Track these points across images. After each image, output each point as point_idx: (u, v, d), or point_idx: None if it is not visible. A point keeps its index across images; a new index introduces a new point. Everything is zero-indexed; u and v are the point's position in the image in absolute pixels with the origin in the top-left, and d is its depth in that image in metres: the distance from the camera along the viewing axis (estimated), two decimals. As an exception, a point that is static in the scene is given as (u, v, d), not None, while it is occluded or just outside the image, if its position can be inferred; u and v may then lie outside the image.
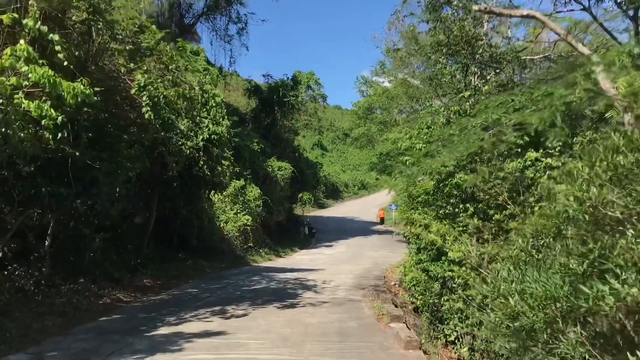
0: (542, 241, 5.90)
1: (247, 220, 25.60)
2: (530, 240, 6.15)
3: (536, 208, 6.95)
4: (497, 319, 4.98)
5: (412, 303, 12.49)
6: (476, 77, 13.53)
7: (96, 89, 9.65)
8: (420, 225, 12.69)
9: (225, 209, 26.19)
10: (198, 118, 16.41)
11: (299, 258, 27.44)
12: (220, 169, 17.91)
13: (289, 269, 20.25)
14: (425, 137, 12.47)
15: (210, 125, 16.25)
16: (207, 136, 16.11)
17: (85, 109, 9.79)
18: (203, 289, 15.05)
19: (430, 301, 10.56)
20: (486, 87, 11.51)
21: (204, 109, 16.48)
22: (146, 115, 10.37)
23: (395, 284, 16.76)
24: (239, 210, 26.31)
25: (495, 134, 6.82)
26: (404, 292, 16.16)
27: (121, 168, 12.31)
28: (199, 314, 11.14)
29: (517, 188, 10.76)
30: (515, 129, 6.68)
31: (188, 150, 15.89)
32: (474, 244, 10.42)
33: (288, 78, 38.06)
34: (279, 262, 25.24)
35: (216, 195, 23.46)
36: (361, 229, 45.06)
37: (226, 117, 16.81)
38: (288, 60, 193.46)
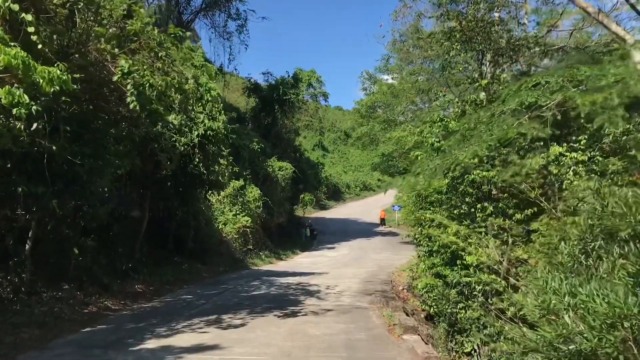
0: (592, 244, 4.97)
1: (247, 221, 24.63)
2: (576, 243, 5.21)
3: (578, 206, 6.00)
4: (540, 338, 4.04)
5: (424, 310, 11.50)
6: (491, 65, 12.56)
7: (75, 75, 8.69)
8: (432, 226, 11.71)
9: (224, 210, 25.23)
10: (193, 113, 15.45)
11: (301, 261, 26.46)
12: (217, 167, 16.94)
13: (291, 273, 19.27)
14: (438, 131, 11.49)
15: (206, 121, 15.29)
16: (203, 132, 15.14)
17: (63, 98, 8.81)
18: (199, 295, 14.07)
19: (448, 310, 9.57)
20: (504, 75, 10.54)
21: (199, 104, 15.49)
22: (131, 105, 9.39)
23: (403, 289, 15.77)
24: (238, 212, 25.34)
25: (534, 118, 5.88)
26: (412, 297, 15.17)
27: (107, 165, 11.35)
28: (193, 324, 10.14)
29: (544, 184, 9.80)
30: (555, 113, 5.77)
31: (182, 147, 14.92)
32: (497, 246, 9.44)
33: (289, 76, 37.11)
34: (279, 266, 24.25)
35: (214, 196, 22.49)
36: (363, 230, 44.08)
37: (223, 112, 15.83)
38: (288, 61, 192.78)
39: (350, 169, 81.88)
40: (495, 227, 11.22)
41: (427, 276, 11.49)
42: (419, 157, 11.33)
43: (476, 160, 7.83)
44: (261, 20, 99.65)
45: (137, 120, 12.87)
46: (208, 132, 15.17)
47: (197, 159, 15.20)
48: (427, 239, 11.98)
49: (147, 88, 9.28)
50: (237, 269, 20.84)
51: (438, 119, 11.37)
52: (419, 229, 12.25)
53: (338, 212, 57.22)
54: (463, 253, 11.02)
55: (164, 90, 11.61)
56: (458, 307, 9.34)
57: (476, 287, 9.45)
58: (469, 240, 10.19)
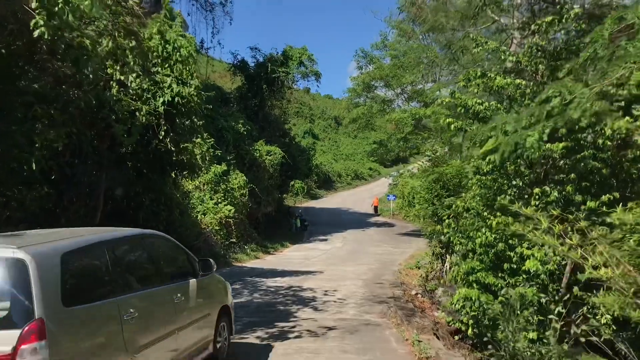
0: None
1: (230, 211, 21.64)
2: None
3: None
4: None
5: (459, 330, 8.64)
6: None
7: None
8: (474, 216, 8.82)
9: (204, 198, 22.20)
10: (158, 75, 12.37)
11: (291, 255, 23.52)
12: (190, 146, 13.86)
13: (280, 272, 16.35)
14: (477, 90, 8.58)
15: (174, 86, 12.17)
16: (170, 99, 12.04)
17: None
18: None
19: (503, 335, 6.69)
20: (576, 10, 7.61)
21: (166, 64, 12.45)
22: (36, 32, 6.37)
23: (417, 294, 12.93)
24: (220, 200, 22.33)
25: None
26: (429, 302, 12.35)
27: (28, 134, 8.34)
28: (142, 354, 7.19)
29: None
30: None
31: (144, 118, 11.83)
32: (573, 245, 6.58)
33: (277, 52, 33.95)
34: (267, 261, 21.33)
35: (188, 181, 19.50)
36: (357, 221, 41.30)
37: (196, 76, 12.70)
38: (276, 46, 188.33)
39: (341, 158, 79.17)
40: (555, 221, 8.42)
41: (461, 284, 8.61)
42: (453, 126, 8.42)
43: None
44: None
45: (75, 78, 9.86)
46: (176, 99, 12.07)
47: (162, 133, 12.10)
48: (460, 235, 9.09)
49: (63, 7, 6.22)
50: (217, 267, 17.84)
51: (477, 75, 8.44)
52: (448, 221, 9.35)
53: (329, 201, 54.45)
54: (513, 253, 8.18)
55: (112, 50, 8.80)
56: (520, 334, 6.45)
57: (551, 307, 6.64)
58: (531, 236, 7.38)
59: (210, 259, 7.15)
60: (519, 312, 6.50)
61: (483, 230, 8.31)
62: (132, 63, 11.62)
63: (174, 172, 14.44)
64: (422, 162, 35.14)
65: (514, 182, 8.50)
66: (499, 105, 8.33)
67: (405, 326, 8.86)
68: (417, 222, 42.48)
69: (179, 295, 5.76)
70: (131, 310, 4.57)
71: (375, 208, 49.31)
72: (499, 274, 8.25)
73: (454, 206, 10.33)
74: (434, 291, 13.17)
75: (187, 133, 12.97)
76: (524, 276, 7.91)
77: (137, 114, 11.92)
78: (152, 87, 12.17)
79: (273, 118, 35.62)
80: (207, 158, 23.62)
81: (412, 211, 44.45)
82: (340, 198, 57.31)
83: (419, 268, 18.05)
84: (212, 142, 23.82)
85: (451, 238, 9.06)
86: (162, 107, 12.12)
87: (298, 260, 19.89)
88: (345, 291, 12.35)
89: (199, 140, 19.58)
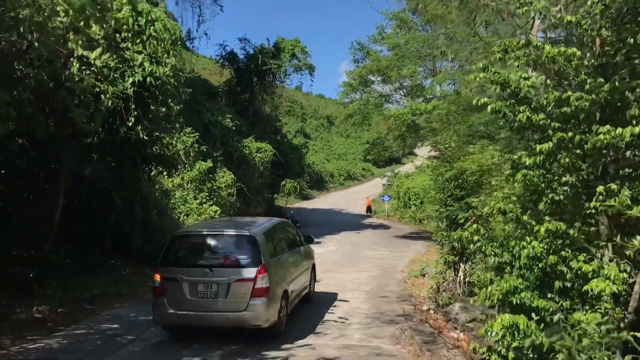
0: None
1: (215, 212, 19.76)
2: None
3: None
4: None
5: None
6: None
7: None
8: (511, 221, 7.08)
9: (187, 197, 20.31)
10: (129, 53, 10.54)
11: (282, 260, 21.66)
12: (167, 139, 12.02)
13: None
14: (518, 64, 6.83)
15: (147, 64, 10.35)
16: (141, 79, 10.21)
17: None
18: (130, 323, 9.27)
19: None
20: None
21: (137, 40, 10.62)
22: None
23: (429, 309, 11.17)
24: (204, 200, 20.45)
25: None
26: (444, 320, 10.60)
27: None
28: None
29: None
30: None
31: (109, 101, 10.00)
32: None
33: (269, 44, 32.12)
34: (256, 267, 19.49)
35: (169, 179, 17.66)
36: (350, 222, 39.42)
37: (173, 53, 10.86)
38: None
39: (333, 157, 77.50)
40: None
41: (499, 305, 6.86)
42: (490, 108, 6.66)
43: None
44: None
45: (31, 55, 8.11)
46: (149, 79, 10.24)
47: (132, 119, 10.26)
48: (489, 243, 7.33)
49: None
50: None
51: (520, 43, 6.69)
52: (476, 226, 7.58)
53: (322, 202, 52.55)
54: (566, 269, 6.45)
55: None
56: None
57: None
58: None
59: (311, 235, 11.95)
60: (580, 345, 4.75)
61: (527, 239, 6.56)
62: (97, 36, 9.82)
63: (148, 166, 12.55)
64: (426, 158, 33.55)
65: (564, 179, 6.76)
66: (548, 81, 6.59)
67: (426, 358, 7.09)
68: (413, 224, 41.02)
69: (297, 255, 10.11)
70: (287, 260, 9.24)
71: (369, 208, 47.58)
72: (548, 295, 6.52)
73: (484, 208, 8.63)
74: (447, 305, 11.44)
75: (162, 121, 11.10)
76: (582, 298, 6.19)
77: (102, 96, 10.13)
78: (121, 66, 10.37)
79: (264, 113, 33.80)
80: (192, 154, 21.90)
81: (408, 212, 42.91)
82: (333, 199, 55.48)
83: (423, 276, 16.36)
84: (197, 137, 21.99)
85: (482, 247, 7.30)
86: (132, 88, 10.33)
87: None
88: (347, 307, 10.55)
89: (184, 133, 17.83)
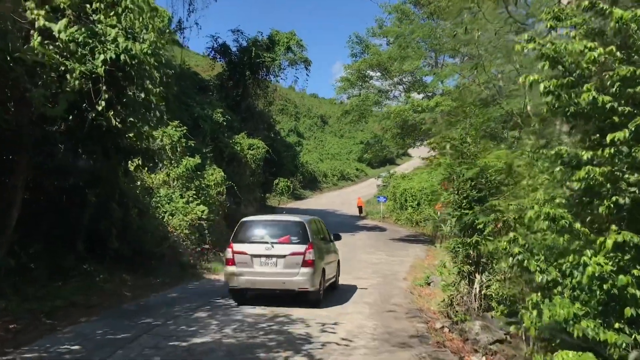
0: None
1: (202, 212, 18.29)
2: None
3: None
4: None
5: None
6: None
7: None
8: (560, 231, 5.69)
9: (172, 195, 18.82)
10: (100, 26, 9.06)
11: (274, 264, 20.21)
12: (147, 129, 10.52)
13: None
14: (577, 34, 5.46)
15: (121, 40, 8.85)
16: (114, 56, 8.73)
17: None
18: (94, 343, 7.78)
19: None
20: None
21: (111, 12, 9.13)
22: None
23: (443, 327, 9.78)
24: (192, 199, 18.96)
25: None
26: (460, 341, 9.21)
27: None
28: None
29: None
30: None
31: (76, 81, 8.51)
32: None
33: (263, 36, 30.68)
34: (246, 272, 18.08)
35: (149, 175, 16.20)
36: (345, 224, 37.97)
37: (153, 28, 9.38)
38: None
39: (327, 157, 76.20)
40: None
41: (550, 336, 5.50)
42: (543, 86, 5.30)
43: None
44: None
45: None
46: (123, 57, 8.76)
47: (103, 103, 8.78)
48: (533, 256, 5.94)
49: None
50: (183, 279, 14.50)
51: (586, 4, 5.33)
52: (512, 235, 6.19)
53: (315, 202, 51.13)
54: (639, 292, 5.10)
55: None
56: None
57: None
58: None
59: (339, 233, 14.08)
60: None
61: (587, 253, 5.20)
62: (62, 5, 8.38)
63: (124, 159, 11.06)
64: (424, 158, 32.23)
65: (633, 178, 5.40)
66: (618, 54, 5.23)
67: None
68: (409, 227, 39.65)
69: (329, 246, 12.40)
70: (323, 247, 11.58)
71: (360, 208, 46.31)
72: (615, 324, 5.17)
73: (512, 211, 7.27)
74: (462, 322, 10.07)
75: (139, 107, 9.62)
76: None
77: (68, 76, 8.63)
78: (90, 41, 8.89)
79: (257, 109, 32.34)
80: (179, 149, 20.40)
81: (405, 214, 41.54)
82: (326, 199, 54.10)
83: (429, 284, 15.01)
84: (184, 131, 20.50)
85: (525, 262, 5.92)
86: (103, 67, 8.86)
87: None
88: (350, 325, 9.11)
89: (171, 126, 16.48)
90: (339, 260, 13.50)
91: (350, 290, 13.11)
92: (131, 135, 9.43)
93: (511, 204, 7.79)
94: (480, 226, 9.60)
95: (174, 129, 20.22)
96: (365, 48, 27.84)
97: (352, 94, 28.54)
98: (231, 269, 10.46)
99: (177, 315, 9.66)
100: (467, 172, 9.20)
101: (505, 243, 6.10)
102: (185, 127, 20.50)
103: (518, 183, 8.55)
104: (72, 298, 10.14)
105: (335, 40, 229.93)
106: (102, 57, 8.74)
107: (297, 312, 9.88)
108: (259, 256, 10.34)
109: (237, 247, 10.54)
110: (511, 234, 6.39)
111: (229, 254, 10.58)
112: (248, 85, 30.72)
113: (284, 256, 10.26)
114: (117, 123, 9.09)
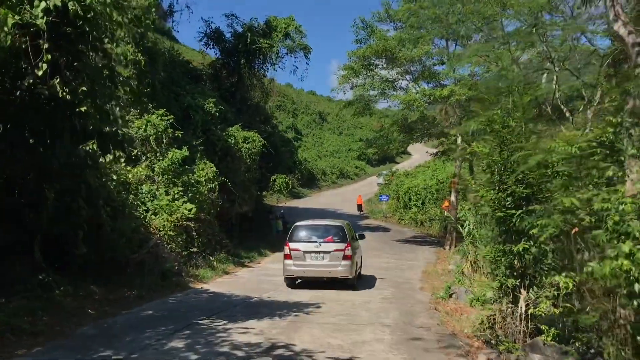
0: None
1: (190, 211, 16.09)
2: None
3: None
4: None
5: None
6: None
7: None
8: None
9: (156, 192, 16.64)
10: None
11: (271, 268, 18.02)
12: (96, 92, 8.21)
13: (255, 304, 10.98)
14: None
15: (70, -17, 6.68)
16: (59, 4, 6.56)
17: None
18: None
19: None
20: None
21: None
22: None
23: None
24: (178, 196, 16.77)
25: None
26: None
27: None
28: None
29: None
30: None
31: (8, 37, 6.33)
32: None
33: (259, 22, 28.45)
34: (239, 279, 15.91)
35: (133, 169, 14.03)
36: (347, 224, 36.05)
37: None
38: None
39: (325, 155, 74.12)
40: None
41: None
42: None
43: None
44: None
45: None
46: (72, 6, 6.59)
47: (44, 66, 6.60)
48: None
49: None
50: (164, 291, 12.32)
51: None
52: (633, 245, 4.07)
53: (314, 201, 49.04)
54: None
55: None
56: None
57: None
58: None
59: (363, 233, 17.70)
60: None
61: None
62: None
63: (82, 145, 8.85)
64: (432, 154, 30.18)
65: None
66: None
67: None
68: (414, 227, 37.55)
69: (358, 245, 14.88)
70: (355, 245, 14.28)
71: (359, 206, 44.31)
72: None
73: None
74: (509, 352, 7.95)
75: (97, 75, 7.41)
76: None
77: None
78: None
79: (253, 100, 30.12)
80: (165, 140, 18.23)
81: (409, 214, 39.43)
82: (326, 198, 52.02)
83: (450, 296, 12.92)
84: (171, 120, 18.34)
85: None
86: (45, 19, 6.62)
87: (281, 277, 14.42)
88: (370, 358, 6.96)
89: (156, 115, 14.41)
90: (362, 256, 16.09)
91: (361, 305, 10.99)
92: (84, 109, 7.20)
93: (595, 201, 5.62)
94: (535, 231, 7.48)
95: (159, 117, 18.09)
96: (371, 33, 25.65)
97: (356, 83, 26.33)
98: (289, 262, 13.44)
99: (145, 344, 7.46)
100: (529, 161, 7.00)
101: (627, 263, 3.96)
102: (172, 116, 18.35)
103: (590, 175, 6.42)
104: (13, 321, 7.94)
105: (332, 36, 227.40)
106: (43, 4, 6.54)
107: (299, 338, 7.70)
108: (310, 252, 13.30)
109: (292, 245, 13.53)
110: (626, 243, 4.23)
111: (287, 250, 13.50)
112: (243, 74, 28.50)
113: (329, 252, 13.21)
114: (65, 94, 6.89)
